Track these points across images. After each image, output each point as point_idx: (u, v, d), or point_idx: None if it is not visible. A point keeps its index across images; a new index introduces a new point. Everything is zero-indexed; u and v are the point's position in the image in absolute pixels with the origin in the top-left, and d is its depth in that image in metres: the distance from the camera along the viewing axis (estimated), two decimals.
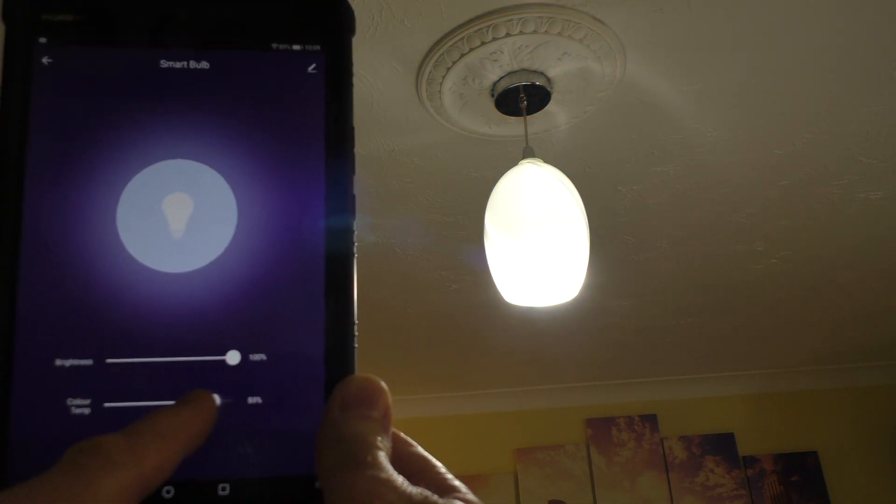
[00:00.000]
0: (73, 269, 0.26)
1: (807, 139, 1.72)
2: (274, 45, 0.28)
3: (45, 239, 0.26)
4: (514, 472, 3.44)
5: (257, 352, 0.26)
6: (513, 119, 1.54)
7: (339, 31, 0.29)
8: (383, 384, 0.25)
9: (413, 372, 3.21)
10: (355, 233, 0.27)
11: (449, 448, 3.48)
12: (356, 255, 0.27)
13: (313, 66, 0.28)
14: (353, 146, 0.28)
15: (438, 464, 0.26)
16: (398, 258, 2.16)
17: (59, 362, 0.25)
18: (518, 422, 3.56)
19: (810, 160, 1.80)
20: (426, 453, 0.26)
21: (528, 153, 1.38)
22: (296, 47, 0.28)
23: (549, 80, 1.43)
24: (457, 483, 0.25)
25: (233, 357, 0.26)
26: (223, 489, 0.25)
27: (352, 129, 0.28)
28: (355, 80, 1.41)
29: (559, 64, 1.40)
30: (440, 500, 0.23)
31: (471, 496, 0.25)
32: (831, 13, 1.33)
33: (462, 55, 1.35)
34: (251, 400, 0.26)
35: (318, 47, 0.28)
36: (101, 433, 0.22)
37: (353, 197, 0.27)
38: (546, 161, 1.42)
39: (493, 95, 1.45)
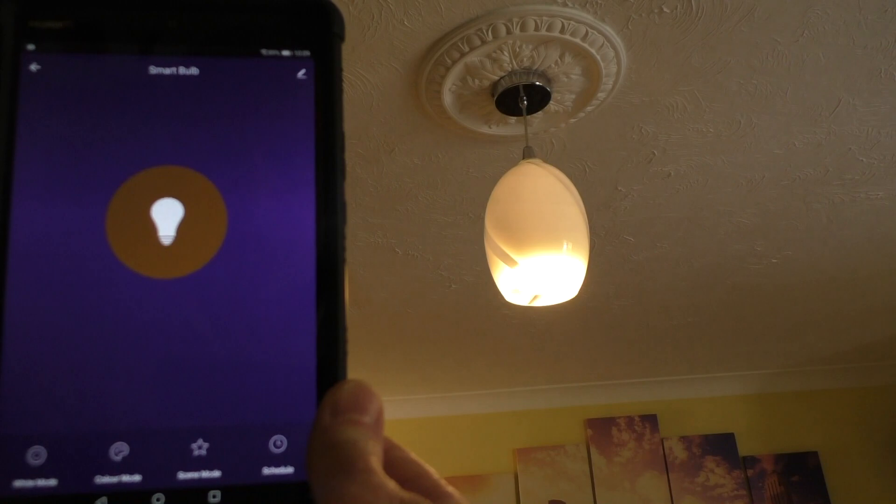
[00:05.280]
0: (61, 275, 0.25)
1: (807, 139, 1.72)
2: (263, 51, 0.28)
3: (33, 245, 0.25)
4: (514, 472, 3.44)
5: (248, 357, 0.26)
6: (513, 119, 1.54)
7: (329, 37, 0.29)
8: (374, 389, 0.25)
9: (413, 372, 3.21)
10: (346, 238, 0.27)
11: (449, 448, 3.48)
12: (346, 260, 0.27)
13: (303, 71, 0.28)
14: (343, 152, 0.28)
15: (431, 470, 0.26)
16: (398, 258, 2.16)
17: (46, 366, 0.25)
18: (518, 422, 3.56)
19: (810, 160, 1.80)
20: (419, 459, 0.26)
21: (528, 153, 1.38)
22: (285, 53, 0.28)
23: (549, 80, 1.43)
24: (450, 489, 0.25)
25: (223, 361, 0.26)
26: (213, 496, 0.25)
27: (342, 134, 0.28)
28: (356, 81, 1.41)
29: (559, 64, 1.40)
30: None
31: (464, 502, 0.24)
32: (831, 13, 1.33)
33: (462, 55, 1.35)
34: (241, 406, 0.25)
35: (307, 53, 0.28)
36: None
37: (344, 203, 0.27)
38: (546, 161, 1.42)
39: (493, 95, 1.45)
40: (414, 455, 0.26)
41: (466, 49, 1.34)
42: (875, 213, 2.08)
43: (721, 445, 3.50)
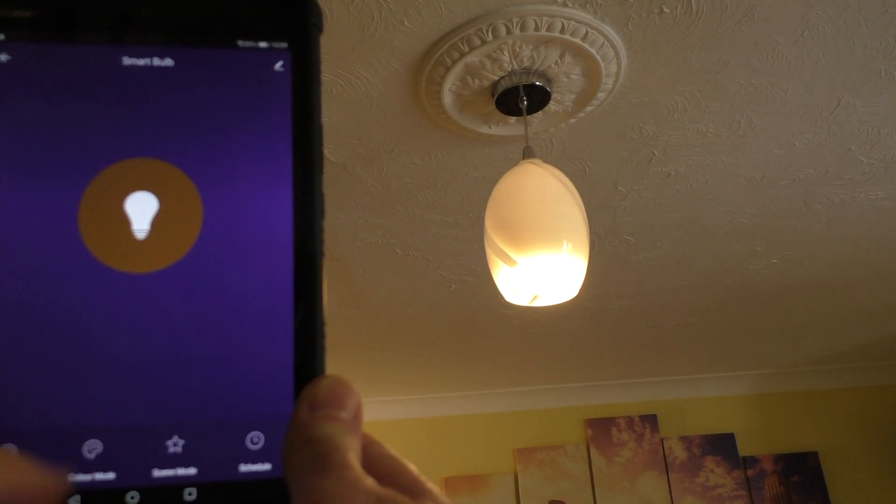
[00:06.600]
0: (32, 269, 0.25)
1: (807, 139, 1.72)
2: (240, 43, 0.28)
3: (4, 239, 0.25)
4: (514, 472, 3.44)
5: (224, 353, 0.25)
6: (513, 119, 1.54)
7: (306, 29, 0.28)
8: (353, 384, 0.25)
9: (413, 372, 3.21)
10: (323, 232, 0.27)
11: (449, 448, 3.48)
12: (324, 254, 0.27)
13: (280, 63, 0.28)
14: (321, 144, 0.27)
15: (411, 466, 0.25)
16: (398, 258, 2.16)
17: (17, 362, 0.24)
18: (518, 422, 3.56)
19: (810, 160, 1.80)
20: (398, 455, 0.26)
21: (528, 153, 1.38)
22: (262, 45, 0.28)
23: (549, 80, 1.43)
24: (429, 486, 0.25)
25: (198, 357, 0.25)
26: (189, 494, 0.24)
27: (319, 127, 0.28)
28: (356, 81, 1.41)
29: (559, 64, 1.40)
30: (410, 502, 0.23)
31: (443, 498, 0.24)
32: (831, 13, 1.33)
33: (462, 55, 1.35)
34: (218, 402, 0.25)
35: (284, 45, 0.28)
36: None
37: (322, 196, 0.27)
38: (546, 161, 1.42)
39: (493, 95, 1.45)
40: (393, 451, 0.26)
41: (466, 49, 1.34)
42: (875, 213, 2.08)
43: (721, 445, 3.50)
